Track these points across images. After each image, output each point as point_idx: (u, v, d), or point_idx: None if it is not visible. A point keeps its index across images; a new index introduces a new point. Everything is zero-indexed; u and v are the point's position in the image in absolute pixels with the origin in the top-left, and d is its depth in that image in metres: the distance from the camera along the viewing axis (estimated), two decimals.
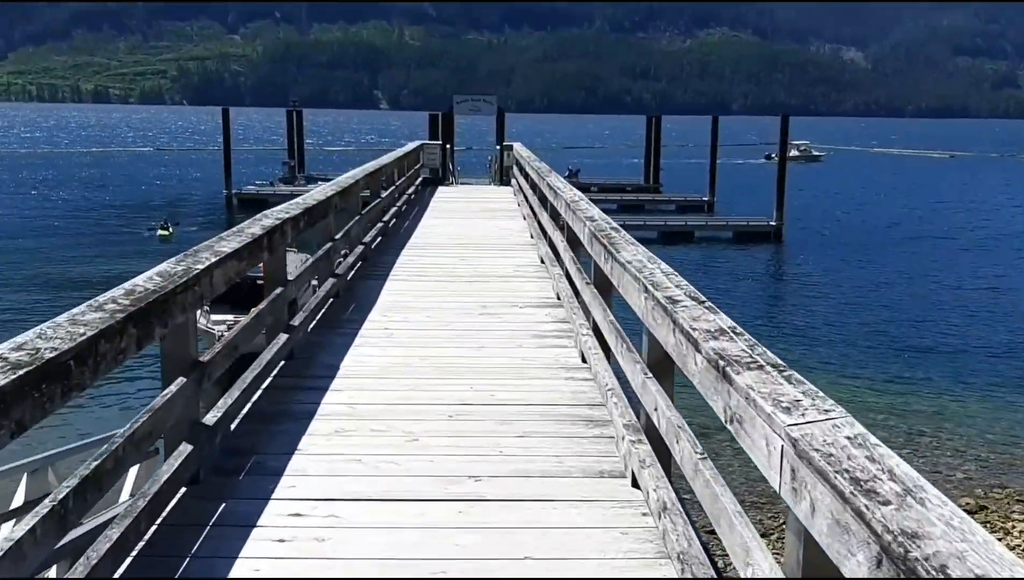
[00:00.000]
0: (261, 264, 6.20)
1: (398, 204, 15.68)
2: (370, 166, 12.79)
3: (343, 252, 9.72)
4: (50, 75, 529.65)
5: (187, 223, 40.87)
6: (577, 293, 7.54)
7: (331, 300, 8.69)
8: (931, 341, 21.94)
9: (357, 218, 10.62)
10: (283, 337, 6.52)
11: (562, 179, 10.84)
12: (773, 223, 38.02)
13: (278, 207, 7.10)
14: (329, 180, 45.43)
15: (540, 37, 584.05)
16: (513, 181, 21.13)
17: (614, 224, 6.43)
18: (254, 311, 5.86)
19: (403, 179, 17.23)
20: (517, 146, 21.17)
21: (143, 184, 63.76)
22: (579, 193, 8.95)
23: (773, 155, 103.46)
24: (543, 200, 12.31)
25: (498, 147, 27.94)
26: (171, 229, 35.16)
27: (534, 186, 14.00)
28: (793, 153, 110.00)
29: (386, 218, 13.67)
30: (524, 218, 15.65)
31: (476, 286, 10.17)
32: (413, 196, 18.85)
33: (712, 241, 37.69)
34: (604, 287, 5.98)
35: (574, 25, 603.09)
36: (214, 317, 14.93)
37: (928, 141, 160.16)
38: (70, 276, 27.61)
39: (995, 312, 25.49)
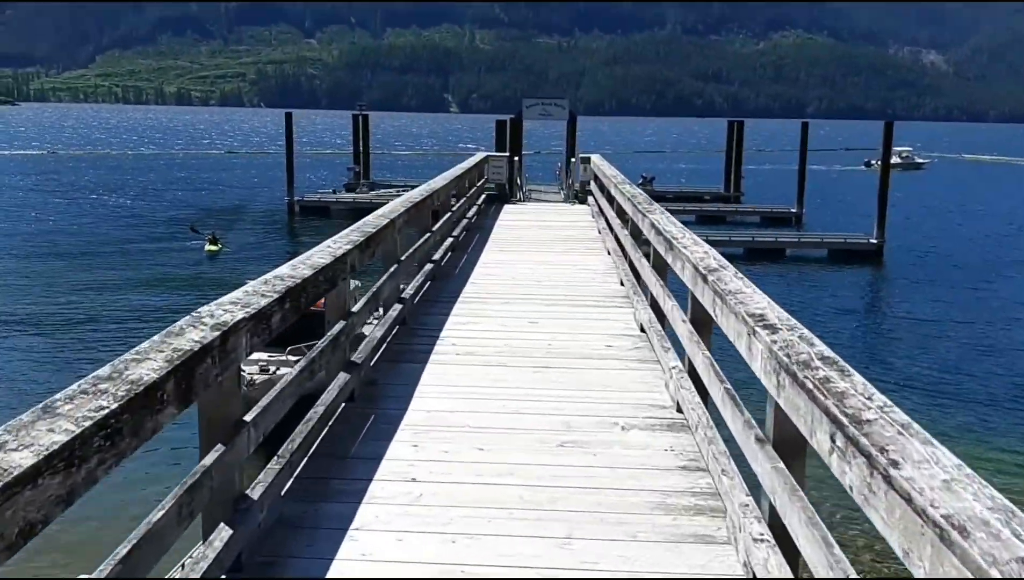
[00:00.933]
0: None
1: (454, 233, 12.83)
2: (415, 194, 9.87)
3: (367, 323, 6.91)
4: (135, 78, 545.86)
5: (244, 233, 38.87)
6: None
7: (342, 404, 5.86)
8: None
9: (391, 271, 7.70)
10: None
11: (674, 221, 7.74)
12: (874, 241, 34.12)
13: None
14: (393, 187, 42.60)
15: (610, 40, 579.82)
16: (591, 200, 18.12)
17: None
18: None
19: (462, 201, 14.40)
20: (596, 159, 18.10)
21: (204, 189, 62.49)
22: (708, 250, 5.91)
23: (874, 162, 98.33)
24: (637, 235, 9.31)
25: (573, 160, 24.84)
26: (219, 244, 32.91)
27: (623, 216, 11.06)
28: (894, 160, 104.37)
29: (437, 257, 10.77)
30: (609, 253, 12.65)
31: (553, 379, 6.91)
32: (475, 218, 16.03)
33: (804, 260, 33.98)
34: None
35: (645, 28, 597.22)
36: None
37: (1019, 148, 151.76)
38: (91, 298, 25.08)
39: None
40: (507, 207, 19.35)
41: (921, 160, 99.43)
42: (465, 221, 14.40)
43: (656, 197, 46.24)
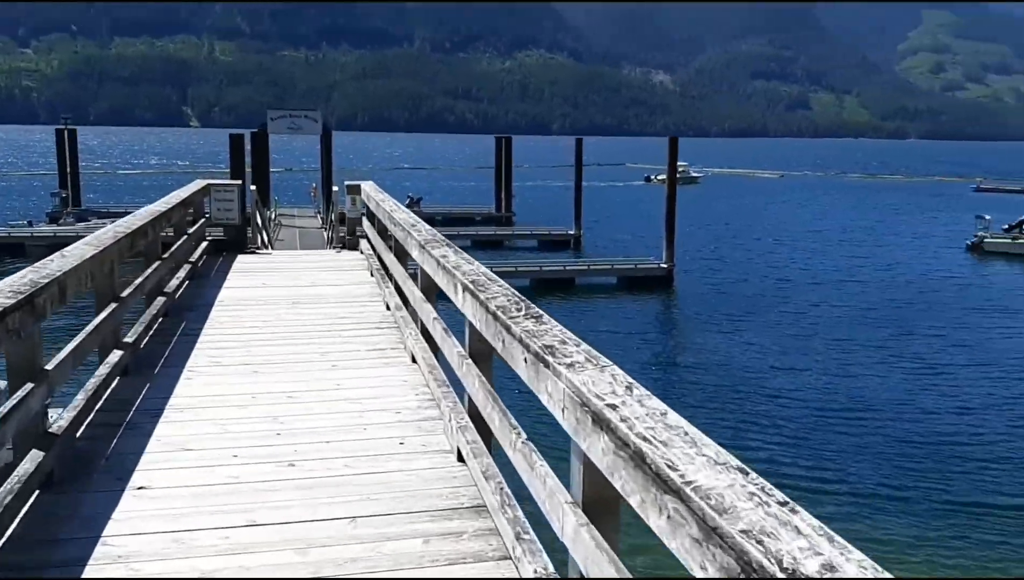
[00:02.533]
0: None
1: (128, 339, 7.07)
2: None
3: None
4: None
5: None
6: None
7: None
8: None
9: None
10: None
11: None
12: (664, 265, 31.56)
13: None
14: (109, 215, 34.36)
15: (360, 55, 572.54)
16: (364, 244, 12.78)
17: None
18: None
19: (152, 268, 8.54)
20: (368, 188, 12.87)
21: None
22: None
23: (654, 177, 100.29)
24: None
25: (336, 188, 19.30)
26: None
27: (427, 290, 6.23)
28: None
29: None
30: (415, 360, 7.38)
31: None
32: (180, 289, 10.03)
33: (596, 290, 30.73)
34: None
35: (395, 44, 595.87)
36: None
37: (745, 161, 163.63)
38: None
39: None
40: (239, 263, 12.56)
41: (696, 174, 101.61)
42: (160, 301, 8.56)
43: (425, 219, 41.78)
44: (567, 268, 31.16)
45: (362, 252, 12.80)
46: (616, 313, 27.74)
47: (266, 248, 15.32)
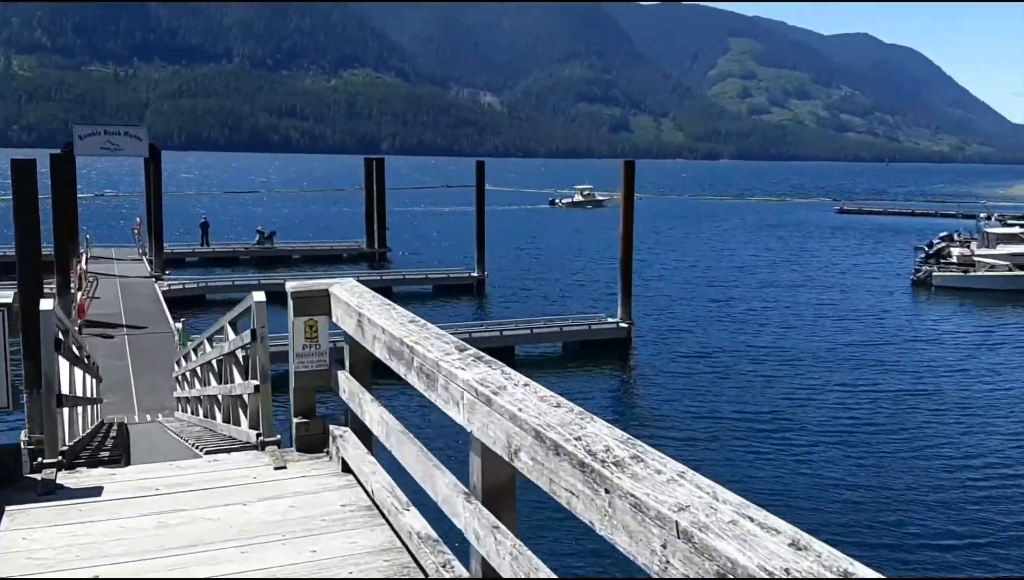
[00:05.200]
0: None
1: None
2: None
3: None
4: None
5: None
6: None
7: None
8: None
9: None
10: None
11: None
12: (623, 325, 24.65)
13: None
14: None
15: (174, 71, 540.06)
16: (353, 450, 4.51)
17: None
18: None
19: None
20: (347, 293, 4.69)
21: None
22: None
23: (559, 201, 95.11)
24: None
25: (259, 298, 7.24)
26: None
27: None
28: (577, 198, 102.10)
29: None
30: None
31: None
32: None
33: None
34: None
35: (211, 60, 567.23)
36: None
37: (582, 180, 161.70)
38: None
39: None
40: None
41: (601, 197, 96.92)
42: None
43: (282, 257, 31.53)
44: (504, 334, 23.53)
45: (352, 471, 4.46)
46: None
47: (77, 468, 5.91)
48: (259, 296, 5.91)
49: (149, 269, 34.53)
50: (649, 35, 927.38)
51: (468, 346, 3.07)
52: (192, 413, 11.03)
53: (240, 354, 6.74)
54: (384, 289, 33.43)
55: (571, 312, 28.52)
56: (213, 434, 8.55)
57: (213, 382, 8.59)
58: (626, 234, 24.73)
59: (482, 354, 2.95)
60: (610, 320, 24.88)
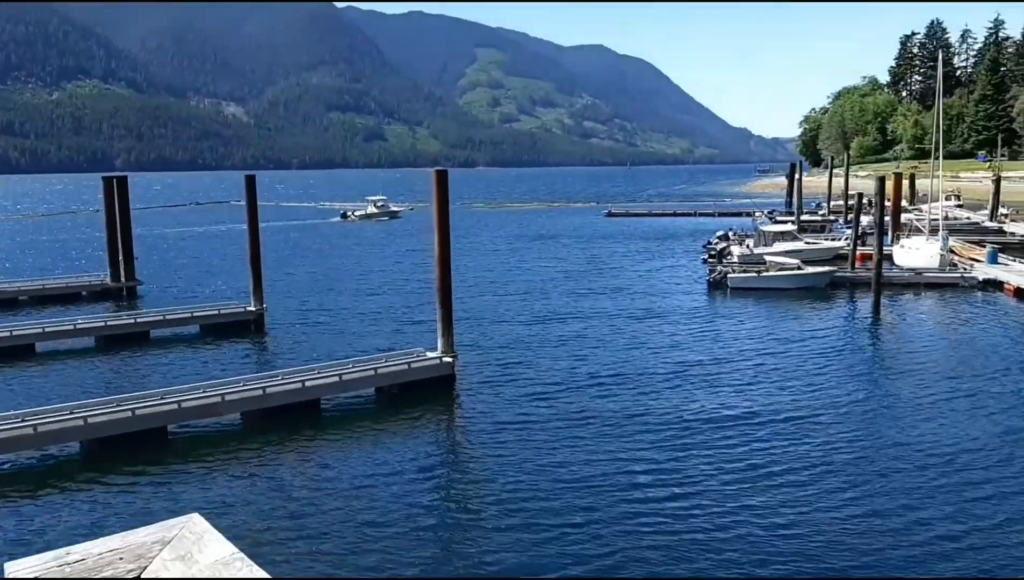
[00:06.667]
0: None
1: None
2: None
3: None
4: None
5: None
6: None
7: None
8: None
9: None
10: None
11: None
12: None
13: None
14: None
15: None
16: None
17: None
18: None
19: None
20: None
21: None
22: None
23: (351, 213, 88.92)
24: None
25: None
26: None
27: None
28: (371, 209, 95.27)
29: None
30: None
31: None
32: None
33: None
34: None
35: None
36: None
37: (349, 191, 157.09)
38: None
39: None
40: None
41: (396, 208, 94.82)
42: None
43: (4, 301, 26.04)
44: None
45: None
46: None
47: None
48: None
49: None
50: (397, 45, 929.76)
51: None
52: None
53: None
54: (140, 334, 27.87)
55: (381, 348, 24.75)
56: None
57: None
58: (442, 255, 21.35)
59: None
60: (430, 355, 21.41)
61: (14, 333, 26.18)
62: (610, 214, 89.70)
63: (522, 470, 15.61)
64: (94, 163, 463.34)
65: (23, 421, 16.26)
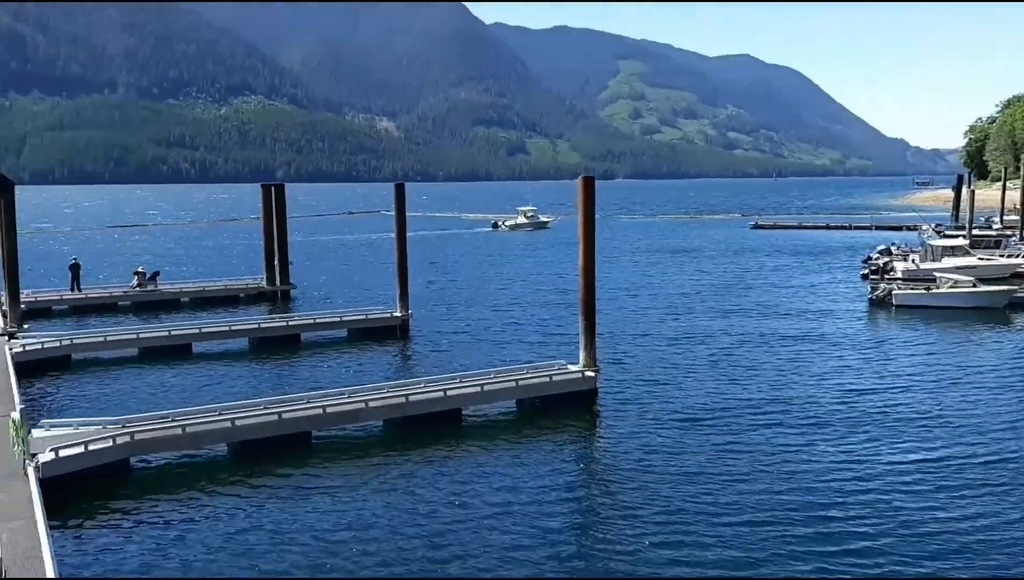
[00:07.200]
0: None
1: None
2: None
3: None
4: None
5: None
6: None
7: None
8: None
9: None
10: None
11: None
12: (591, 374, 20.67)
13: None
14: None
15: (54, 103, 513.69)
16: None
17: None
18: None
19: None
20: None
21: None
22: None
23: (502, 222, 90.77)
24: None
25: None
26: None
27: None
28: (520, 220, 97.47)
29: None
30: None
31: None
32: None
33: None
34: None
35: (94, 91, 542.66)
36: None
37: (499, 204, 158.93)
38: None
39: None
40: None
41: (546, 218, 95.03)
42: None
43: (168, 301, 27.18)
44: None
45: None
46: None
47: None
48: None
49: (2, 324, 28.66)
50: (541, 59, 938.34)
51: None
52: None
53: None
54: (291, 336, 28.54)
55: (521, 359, 24.26)
56: None
57: None
58: (587, 265, 20.64)
59: None
60: (572, 368, 20.72)
61: (172, 333, 27.38)
62: (756, 226, 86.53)
63: (671, 503, 14.41)
64: (257, 174, 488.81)
65: (173, 421, 16.64)
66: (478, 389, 19.30)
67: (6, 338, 26.44)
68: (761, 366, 24.94)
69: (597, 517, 14.02)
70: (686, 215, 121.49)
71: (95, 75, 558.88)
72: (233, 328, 28.37)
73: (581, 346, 20.91)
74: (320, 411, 17.77)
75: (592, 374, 20.59)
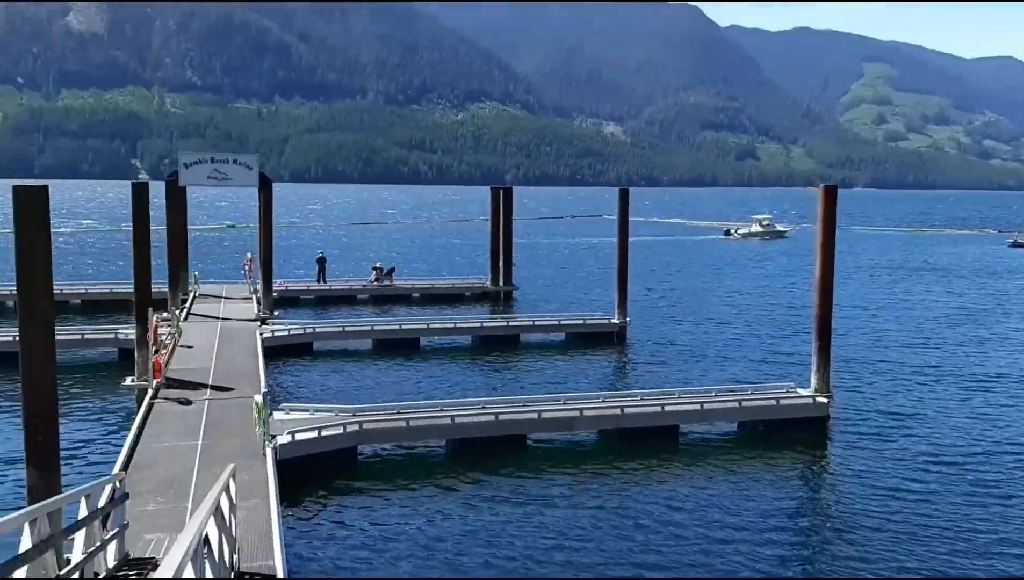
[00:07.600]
0: None
1: None
2: None
3: None
4: None
5: None
6: None
7: None
8: None
9: None
10: None
11: None
12: (823, 399, 19.35)
13: None
14: None
15: (313, 107, 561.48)
16: None
17: None
18: None
19: None
20: None
21: None
22: None
23: (734, 230, 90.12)
24: None
25: None
26: None
27: None
28: (755, 229, 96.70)
29: None
30: None
31: None
32: None
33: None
34: None
35: (347, 97, 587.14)
36: None
37: (738, 210, 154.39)
38: None
39: None
40: None
41: (783, 228, 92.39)
42: None
43: (400, 296, 28.20)
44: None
45: None
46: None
47: None
48: None
49: (256, 310, 31.29)
50: (778, 62, 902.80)
51: None
52: None
53: None
54: (511, 337, 29.00)
55: (744, 378, 23.16)
56: None
57: None
58: (824, 281, 19.30)
59: None
60: (802, 392, 19.43)
61: (403, 327, 28.79)
62: (1016, 244, 77.97)
63: (912, 555, 13.04)
64: (488, 177, 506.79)
65: (398, 413, 17.30)
66: (697, 407, 18.56)
67: (259, 323, 28.83)
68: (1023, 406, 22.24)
69: (823, 564, 12.93)
70: (932, 229, 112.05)
71: (349, 82, 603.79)
72: (458, 325, 29.40)
73: (813, 368, 19.56)
74: (535, 415, 17.82)
75: (824, 400, 19.20)
